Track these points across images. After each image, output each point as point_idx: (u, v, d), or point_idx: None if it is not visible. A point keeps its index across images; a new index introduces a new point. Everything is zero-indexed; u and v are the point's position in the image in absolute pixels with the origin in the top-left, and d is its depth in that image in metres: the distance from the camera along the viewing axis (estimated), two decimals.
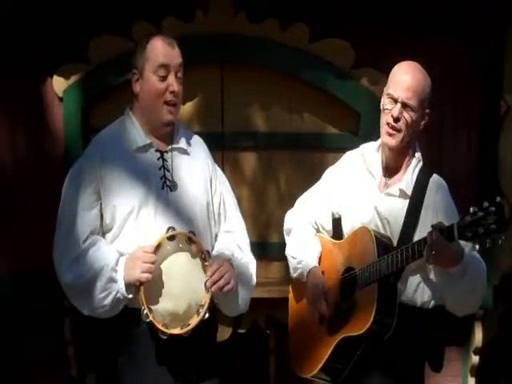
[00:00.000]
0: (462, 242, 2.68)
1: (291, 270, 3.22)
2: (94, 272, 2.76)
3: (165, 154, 2.90)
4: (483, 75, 4.43)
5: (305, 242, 3.17)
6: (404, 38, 4.38)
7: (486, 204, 2.51)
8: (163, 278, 2.75)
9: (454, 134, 4.46)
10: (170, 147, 2.92)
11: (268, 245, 4.35)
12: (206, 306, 2.77)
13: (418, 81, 2.93)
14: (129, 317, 2.80)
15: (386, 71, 3.12)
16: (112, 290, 2.76)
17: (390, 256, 2.83)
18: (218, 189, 3.03)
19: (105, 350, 2.95)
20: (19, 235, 4.25)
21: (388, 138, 2.95)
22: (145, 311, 2.71)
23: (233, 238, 3.03)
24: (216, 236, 3.03)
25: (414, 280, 2.93)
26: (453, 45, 4.39)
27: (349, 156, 3.21)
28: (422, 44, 4.39)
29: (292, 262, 3.20)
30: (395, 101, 2.92)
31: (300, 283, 3.19)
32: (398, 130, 2.92)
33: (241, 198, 3.22)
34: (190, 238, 2.78)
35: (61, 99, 4.24)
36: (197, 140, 3.06)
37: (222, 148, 4.25)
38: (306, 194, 3.31)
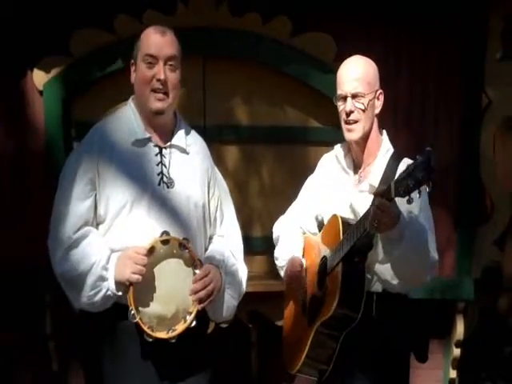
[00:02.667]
0: (403, 208, 2.68)
1: (280, 272, 3.20)
2: (84, 268, 2.73)
3: (163, 150, 2.87)
4: (465, 68, 4.44)
5: (287, 241, 3.17)
6: (386, 31, 4.39)
7: (417, 157, 2.49)
8: (154, 280, 2.73)
9: (436, 126, 4.47)
10: (168, 144, 2.89)
11: (251, 239, 4.31)
12: (193, 314, 2.75)
13: (357, 68, 2.96)
14: (115, 311, 2.78)
15: None
16: (102, 287, 2.74)
17: (349, 232, 2.83)
18: (216, 193, 3.01)
19: (88, 344, 2.93)
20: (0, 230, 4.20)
21: (349, 134, 2.98)
22: (132, 312, 2.68)
23: (227, 243, 3.00)
24: (210, 239, 3.01)
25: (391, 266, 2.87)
26: (435, 38, 4.40)
27: (324, 159, 3.23)
28: (404, 37, 4.41)
29: (277, 264, 3.20)
30: (345, 98, 2.95)
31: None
32: (356, 121, 2.94)
33: None
34: (184, 244, 2.76)
35: (41, 93, 4.20)
36: (197, 140, 3.02)
37: (204, 141, 4.22)
38: (291, 206, 3.31)
